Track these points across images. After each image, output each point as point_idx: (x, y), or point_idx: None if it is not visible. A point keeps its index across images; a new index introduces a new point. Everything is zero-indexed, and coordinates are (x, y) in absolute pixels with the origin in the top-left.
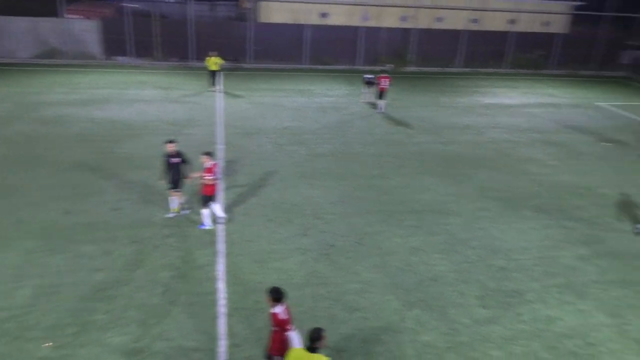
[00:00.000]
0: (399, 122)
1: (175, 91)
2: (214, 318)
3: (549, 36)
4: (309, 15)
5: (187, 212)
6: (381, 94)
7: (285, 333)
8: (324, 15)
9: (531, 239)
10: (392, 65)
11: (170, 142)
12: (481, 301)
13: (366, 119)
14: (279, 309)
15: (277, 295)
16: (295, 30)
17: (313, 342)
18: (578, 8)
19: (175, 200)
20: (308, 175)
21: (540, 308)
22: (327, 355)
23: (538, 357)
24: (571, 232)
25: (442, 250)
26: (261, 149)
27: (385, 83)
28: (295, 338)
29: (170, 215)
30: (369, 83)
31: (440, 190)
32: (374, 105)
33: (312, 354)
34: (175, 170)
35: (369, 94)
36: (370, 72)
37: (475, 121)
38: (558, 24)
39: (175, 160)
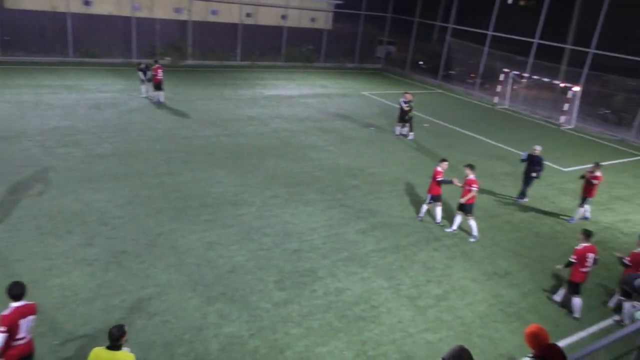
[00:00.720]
0: (183, 117)
1: None
2: None
3: (317, 32)
4: (69, 3)
5: None
6: (158, 85)
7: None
8: (87, 3)
9: (318, 219)
10: (170, 59)
11: None
12: (279, 284)
13: (148, 115)
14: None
15: (16, 292)
16: (54, 19)
17: (116, 340)
18: (338, 6)
19: None
20: (87, 179)
21: (331, 282)
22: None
23: (333, 327)
24: (350, 210)
25: (238, 241)
26: (25, 154)
27: (160, 74)
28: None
29: None
30: (142, 71)
31: (231, 182)
32: (152, 98)
33: (116, 352)
34: None
35: (146, 87)
36: (146, 65)
37: (259, 112)
38: (322, 21)
39: None
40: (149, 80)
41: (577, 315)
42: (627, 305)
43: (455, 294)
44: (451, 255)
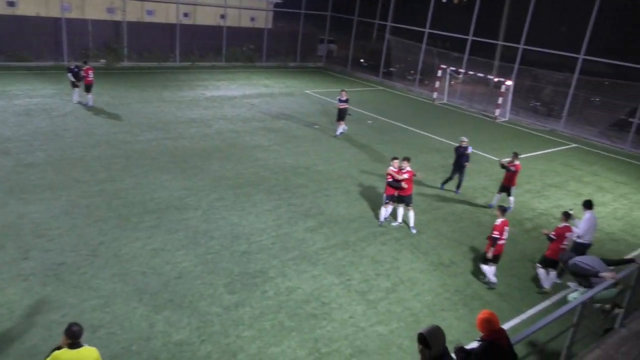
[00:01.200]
0: (121, 120)
1: None
2: None
3: (258, 31)
4: None
5: None
6: (88, 87)
7: None
8: (11, 4)
9: (266, 220)
10: (105, 61)
11: None
12: (229, 287)
13: (83, 120)
14: None
15: None
16: None
17: (78, 337)
18: (277, 5)
19: None
20: (20, 190)
21: (282, 281)
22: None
23: (285, 327)
24: (298, 208)
25: (185, 246)
26: None
27: (91, 75)
28: None
29: None
30: (72, 72)
31: (175, 186)
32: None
33: (80, 349)
34: None
35: (79, 92)
36: (77, 66)
37: (201, 114)
38: (262, 20)
39: None
40: (79, 80)
41: (493, 280)
42: (541, 271)
43: (404, 286)
44: (399, 248)
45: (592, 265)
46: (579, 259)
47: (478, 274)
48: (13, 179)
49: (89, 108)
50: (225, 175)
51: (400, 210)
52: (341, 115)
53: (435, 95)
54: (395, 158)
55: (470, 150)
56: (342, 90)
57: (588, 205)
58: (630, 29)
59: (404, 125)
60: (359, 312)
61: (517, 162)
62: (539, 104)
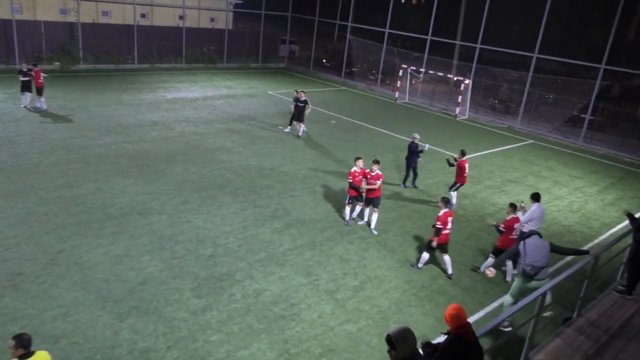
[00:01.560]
0: (78, 125)
1: None
2: None
3: (218, 32)
4: None
5: None
6: (39, 90)
7: None
8: None
9: (232, 222)
10: (59, 63)
11: None
12: (195, 292)
13: (37, 124)
14: None
15: None
16: None
17: (28, 347)
18: (237, 6)
19: None
20: None
21: (249, 284)
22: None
23: (253, 329)
24: (265, 210)
25: (149, 251)
26: None
27: (41, 77)
28: None
29: None
30: (23, 74)
31: (137, 190)
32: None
33: (33, 357)
34: None
35: (29, 96)
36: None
37: (163, 117)
38: (222, 21)
39: None
40: (30, 84)
41: (420, 265)
42: (490, 260)
43: (371, 284)
44: (365, 247)
45: (527, 252)
46: (528, 241)
47: (440, 268)
48: None
49: (43, 113)
50: (189, 178)
51: (367, 210)
52: (300, 115)
53: (397, 94)
54: (359, 158)
55: (427, 147)
56: (301, 91)
57: (536, 197)
58: (581, 28)
59: (367, 125)
60: (328, 311)
61: (463, 159)
62: (496, 101)
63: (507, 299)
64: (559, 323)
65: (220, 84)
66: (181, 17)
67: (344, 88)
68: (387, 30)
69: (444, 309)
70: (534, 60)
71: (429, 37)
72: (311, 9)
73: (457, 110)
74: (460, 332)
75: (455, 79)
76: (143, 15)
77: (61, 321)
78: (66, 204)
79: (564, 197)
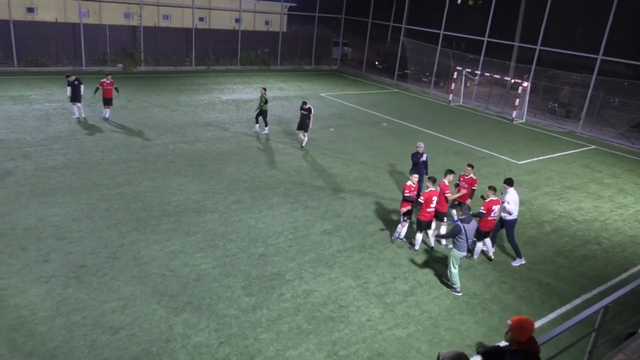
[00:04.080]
0: (138, 124)
1: None
2: None
3: (273, 34)
4: (11, 10)
5: None
6: (107, 101)
7: None
8: (30, 10)
9: (283, 222)
10: (122, 65)
11: None
12: (246, 290)
13: (101, 124)
14: None
15: None
16: None
17: None
18: (292, 9)
19: None
20: (40, 193)
21: (299, 284)
22: None
23: (302, 330)
24: (315, 211)
25: (203, 248)
26: None
27: (110, 88)
28: None
29: None
30: (71, 85)
31: (192, 189)
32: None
33: None
34: None
35: (78, 107)
36: (100, 72)
37: (217, 117)
38: (277, 23)
39: None
40: (80, 95)
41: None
42: (479, 245)
43: (421, 289)
44: (416, 251)
45: (468, 234)
46: (467, 227)
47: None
48: (34, 183)
49: (103, 120)
50: (242, 178)
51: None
52: (304, 124)
53: (450, 97)
54: (451, 172)
55: (425, 157)
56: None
57: (509, 182)
58: None
59: (419, 128)
60: (377, 315)
61: (471, 175)
62: (556, 105)
63: (452, 270)
64: (622, 338)
65: (273, 86)
66: (237, 20)
67: (396, 90)
68: (442, 32)
69: (497, 318)
70: (598, 62)
71: (485, 39)
72: (364, 11)
73: (514, 113)
74: (529, 346)
75: (512, 81)
76: (201, 19)
77: (120, 313)
78: (126, 200)
79: (629, 205)
